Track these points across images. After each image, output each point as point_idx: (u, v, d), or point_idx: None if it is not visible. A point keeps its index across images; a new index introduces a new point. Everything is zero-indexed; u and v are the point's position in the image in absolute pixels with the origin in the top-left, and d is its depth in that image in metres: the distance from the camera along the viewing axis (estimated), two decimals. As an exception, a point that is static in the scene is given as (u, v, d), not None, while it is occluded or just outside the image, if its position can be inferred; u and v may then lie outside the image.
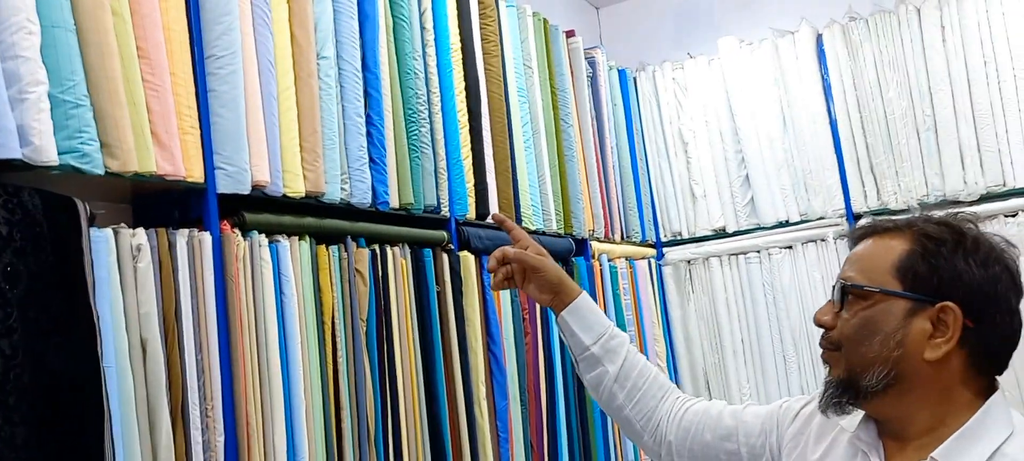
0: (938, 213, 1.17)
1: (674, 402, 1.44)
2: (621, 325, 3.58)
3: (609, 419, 3.34)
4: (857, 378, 1.13)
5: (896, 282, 1.12)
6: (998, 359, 1.12)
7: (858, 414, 1.19)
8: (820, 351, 1.21)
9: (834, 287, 1.18)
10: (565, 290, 1.47)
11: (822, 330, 1.19)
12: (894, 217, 1.19)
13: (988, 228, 3.42)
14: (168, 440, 1.64)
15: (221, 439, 1.77)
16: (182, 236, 1.75)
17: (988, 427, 1.08)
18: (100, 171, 1.58)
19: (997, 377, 1.14)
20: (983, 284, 1.09)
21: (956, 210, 1.18)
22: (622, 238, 3.88)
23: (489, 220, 2.79)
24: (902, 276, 1.11)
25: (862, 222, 1.21)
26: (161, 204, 1.88)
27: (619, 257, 3.73)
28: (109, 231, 1.61)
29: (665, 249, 4.22)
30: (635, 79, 4.28)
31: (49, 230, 1.45)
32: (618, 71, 4.13)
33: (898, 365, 1.11)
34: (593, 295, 3.35)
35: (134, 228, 1.67)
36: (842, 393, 1.15)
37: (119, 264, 1.61)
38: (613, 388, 1.45)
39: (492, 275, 1.46)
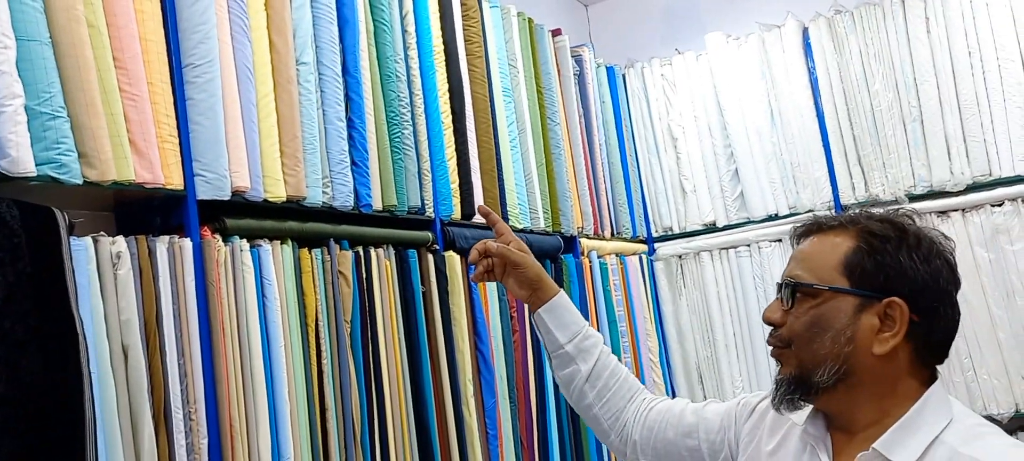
0: (878, 210, 1.19)
1: (641, 403, 1.47)
2: (612, 322, 3.61)
3: (600, 415, 3.36)
4: (809, 374, 1.15)
5: (844, 279, 1.14)
6: (940, 350, 1.16)
7: (808, 408, 1.22)
8: (769, 349, 1.23)
9: (781, 285, 1.20)
10: (543, 287, 1.51)
11: (771, 328, 1.21)
12: (836, 214, 1.21)
13: (974, 217, 3.49)
14: (151, 444, 1.67)
15: (205, 442, 1.80)
16: (162, 243, 1.78)
17: (927, 416, 1.11)
18: (78, 181, 1.60)
19: (937, 367, 1.17)
20: (927, 279, 1.13)
21: (897, 206, 1.20)
22: (612, 234, 3.91)
23: (476, 219, 2.81)
24: (849, 273, 1.14)
25: (802, 219, 1.27)
26: (143, 212, 1.91)
27: (609, 253, 3.75)
28: (88, 239, 1.63)
29: (656, 244, 4.24)
30: (623, 76, 4.30)
31: (27, 240, 1.48)
32: (606, 68, 4.14)
33: (848, 361, 1.13)
34: (583, 292, 3.38)
35: (116, 236, 1.70)
36: (794, 390, 1.17)
37: (99, 272, 1.64)
38: (584, 387, 1.48)
39: (471, 260, 1.50)
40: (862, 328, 1.13)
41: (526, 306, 1.48)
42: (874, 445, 1.11)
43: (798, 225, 1.24)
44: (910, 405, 1.12)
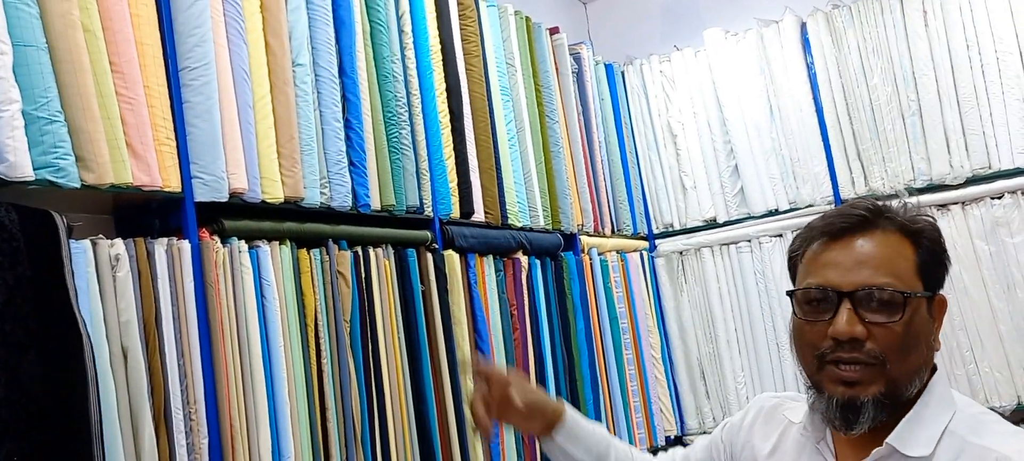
0: (894, 202, 1.14)
1: None
2: (613, 318, 3.62)
3: (603, 411, 3.38)
4: (901, 390, 1.08)
5: (920, 283, 1.10)
6: None
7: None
8: (844, 371, 1.08)
9: (858, 294, 1.07)
10: (550, 412, 1.38)
11: (842, 344, 1.08)
12: (860, 211, 1.12)
13: (974, 210, 3.49)
14: (151, 445, 1.68)
15: (205, 441, 1.82)
16: (161, 245, 1.79)
17: (933, 408, 1.10)
18: (76, 184, 1.62)
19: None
20: (948, 271, 1.14)
21: (904, 199, 1.15)
22: (613, 231, 3.91)
23: (475, 217, 2.82)
24: (922, 276, 1.10)
25: (829, 219, 1.13)
26: (142, 215, 1.92)
27: (610, 251, 3.76)
28: (87, 242, 1.65)
29: (657, 241, 4.25)
30: (623, 73, 4.30)
31: (26, 244, 1.49)
32: (605, 66, 4.15)
33: (928, 365, 1.11)
34: (583, 290, 3.39)
35: (115, 239, 1.72)
36: (882, 410, 1.07)
37: (98, 274, 1.66)
38: None
39: (479, 425, 1.32)
40: (934, 330, 1.12)
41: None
42: (888, 440, 1.08)
43: (836, 227, 1.12)
44: (918, 396, 1.10)
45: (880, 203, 1.14)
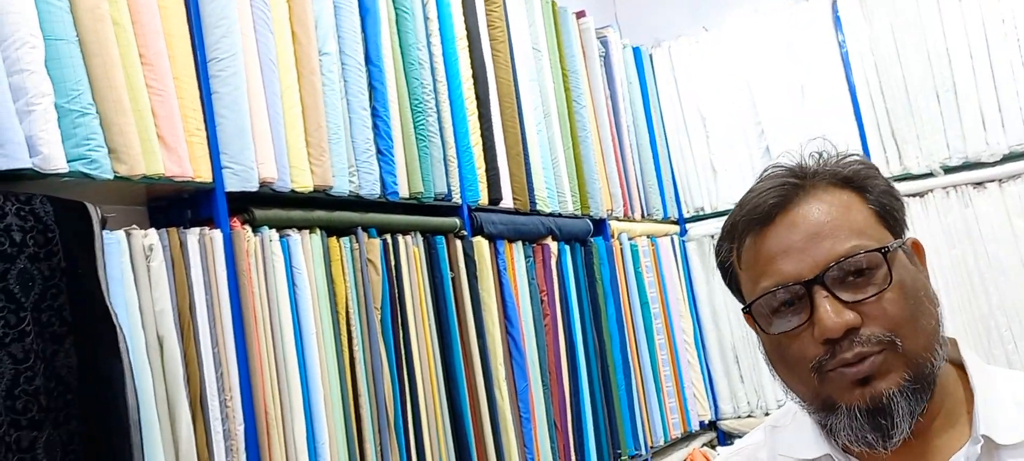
0: (808, 162, 0.95)
1: None
2: (644, 304, 3.60)
3: (635, 397, 3.37)
4: (925, 367, 0.86)
5: (887, 232, 0.91)
6: None
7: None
8: (853, 370, 0.86)
9: (828, 275, 0.87)
10: None
11: (837, 340, 0.86)
12: (781, 178, 0.94)
13: (1012, 187, 3.42)
14: (188, 432, 1.71)
15: (241, 429, 1.84)
16: (193, 235, 1.81)
17: (990, 382, 0.92)
18: (109, 176, 1.64)
19: None
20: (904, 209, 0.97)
21: (819, 150, 0.96)
22: (643, 216, 3.89)
23: (503, 204, 2.82)
24: (886, 223, 0.92)
25: (750, 205, 0.94)
26: (175, 206, 1.95)
27: (640, 235, 3.74)
28: (121, 233, 1.67)
29: (688, 225, 4.21)
30: (651, 56, 4.27)
31: (61, 235, 1.52)
32: (633, 49, 4.12)
33: (940, 324, 0.90)
34: (614, 275, 3.38)
35: (149, 229, 1.74)
36: (916, 402, 0.86)
37: (132, 264, 1.68)
38: None
39: None
40: (927, 279, 0.92)
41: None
42: (982, 432, 0.87)
43: (766, 207, 0.92)
44: (953, 375, 0.93)
45: (797, 164, 0.95)
